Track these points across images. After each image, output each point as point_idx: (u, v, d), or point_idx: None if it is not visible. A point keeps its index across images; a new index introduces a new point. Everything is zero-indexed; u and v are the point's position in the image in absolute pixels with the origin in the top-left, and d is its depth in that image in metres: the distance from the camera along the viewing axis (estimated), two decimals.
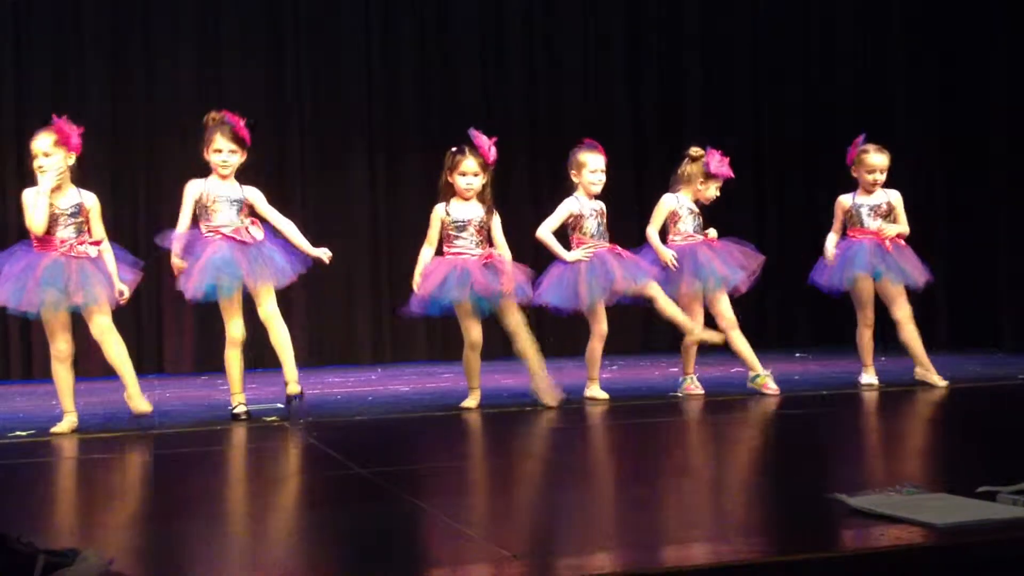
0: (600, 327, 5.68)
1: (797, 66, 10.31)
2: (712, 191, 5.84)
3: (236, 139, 5.20)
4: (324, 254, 5.36)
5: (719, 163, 5.79)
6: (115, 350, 4.98)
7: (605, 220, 5.73)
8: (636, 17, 10.18)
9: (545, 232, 5.67)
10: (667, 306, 5.58)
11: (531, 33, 9.97)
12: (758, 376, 5.67)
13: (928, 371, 5.89)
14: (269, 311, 5.22)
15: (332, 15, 9.52)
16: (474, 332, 5.44)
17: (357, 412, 5.51)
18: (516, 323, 5.45)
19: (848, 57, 9.94)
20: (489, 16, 9.89)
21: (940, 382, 5.83)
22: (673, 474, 3.64)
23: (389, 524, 2.79)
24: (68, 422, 4.90)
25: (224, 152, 5.19)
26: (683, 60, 10.26)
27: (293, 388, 5.24)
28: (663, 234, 5.85)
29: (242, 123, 5.24)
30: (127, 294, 5.02)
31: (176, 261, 5.20)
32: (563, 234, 5.74)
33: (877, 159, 5.89)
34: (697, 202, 5.86)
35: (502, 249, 5.50)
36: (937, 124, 9.08)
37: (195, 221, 5.22)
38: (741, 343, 5.71)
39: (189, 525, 2.94)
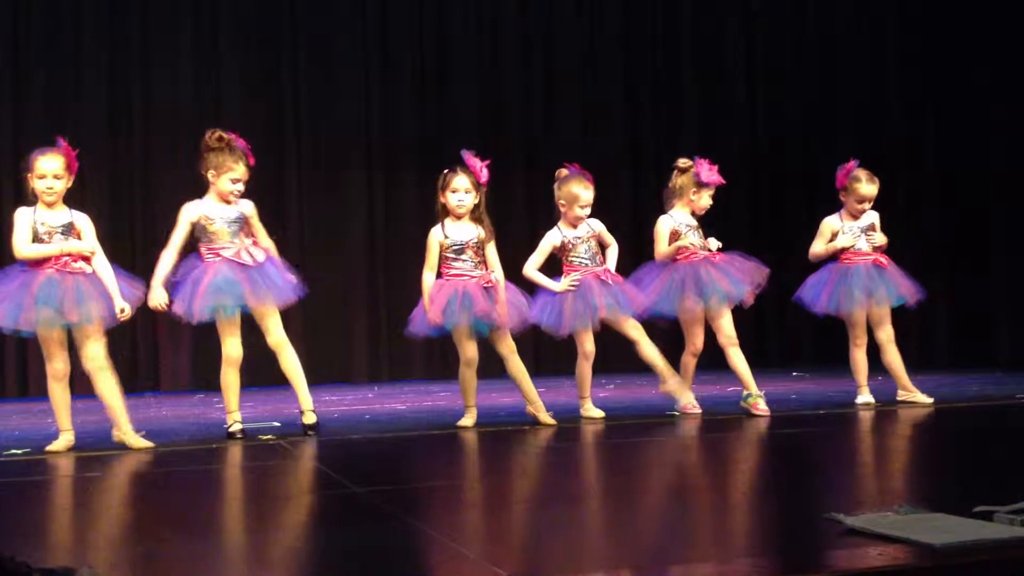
0: (585, 347, 5.71)
1: (794, 83, 10.36)
2: (705, 200, 5.82)
3: (248, 168, 5.21)
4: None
5: (709, 171, 5.79)
6: (107, 386, 4.88)
7: (596, 240, 5.72)
8: (634, 32, 10.23)
9: (530, 270, 5.71)
10: (648, 350, 5.62)
11: (529, 49, 10.01)
12: (750, 396, 5.62)
13: (911, 391, 5.91)
14: (278, 339, 5.20)
15: (330, 34, 9.57)
16: (470, 350, 5.45)
17: (354, 431, 5.49)
18: (509, 349, 5.49)
19: (846, 72, 9.98)
20: (487, 33, 9.94)
21: (926, 400, 5.85)
22: (669, 493, 3.63)
23: (385, 543, 2.78)
24: (64, 440, 4.88)
25: (241, 181, 5.18)
26: (681, 77, 10.32)
27: (310, 418, 5.23)
28: None
29: (248, 147, 5.25)
30: (128, 311, 4.94)
31: (157, 297, 5.07)
32: (556, 260, 5.77)
33: (868, 189, 5.89)
34: (693, 214, 5.85)
35: (497, 272, 5.51)
36: (933, 144, 9.10)
37: (194, 242, 5.21)
38: (739, 361, 5.68)
39: (185, 544, 2.93)
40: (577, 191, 5.64)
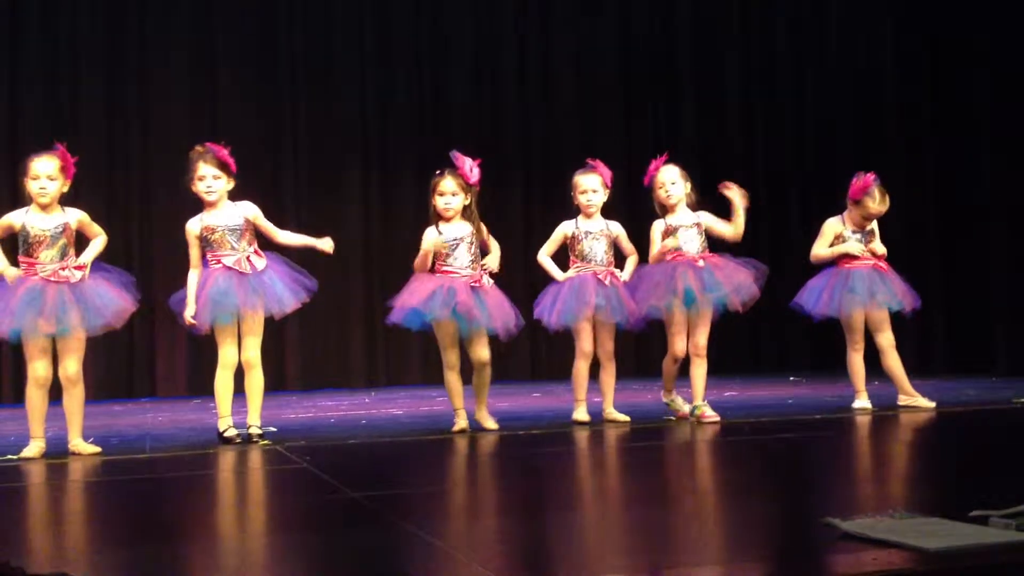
0: (583, 345, 5.69)
1: (792, 88, 10.38)
2: (672, 193, 5.69)
3: (219, 165, 5.21)
4: (327, 244, 5.41)
5: (652, 173, 5.77)
6: (77, 399, 4.97)
7: (609, 241, 5.71)
8: (632, 33, 10.25)
9: (542, 256, 5.81)
10: (610, 378, 5.71)
11: (526, 48, 10.03)
12: (696, 408, 5.62)
13: (913, 396, 5.90)
14: (252, 357, 5.22)
15: (327, 40, 9.58)
16: (452, 355, 5.46)
17: (350, 435, 5.49)
18: (483, 359, 5.48)
19: (844, 79, 10.00)
20: (484, 39, 9.95)
21: (928, 404, 5.84)
22: (664, 498, 3.63)
23: (380, 547, 2.78)
24: (36, 447, 4.89)
25: (208, 179, 5.19)
26: (677, 88, 10.34)
27: (255, 430, 5.23)
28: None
29: (226, 151, 5.25)
30: (85, 269, 4.90)
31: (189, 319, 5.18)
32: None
33: (878, 209, 5.88)
34: (691, 208, 5.78)
35: (494, 253, 5.52)
36: (932, 151, 9.11)
37: (202, 253, 5.26)
38: (700, 373, 5.65)
39: (179, 548, 2.93)
40: (576, 179, 5.73)
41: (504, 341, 5.70)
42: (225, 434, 5.17)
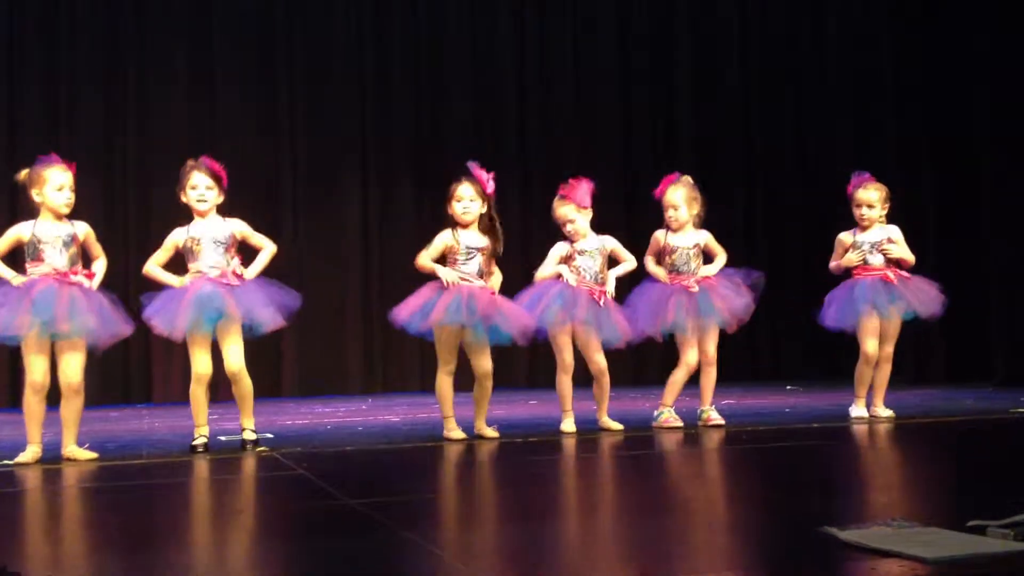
0: (563, 358, 5.69)
1: (790, 99, 10.39)
2: (674, 219, 5.79)
3: (212, 176, 5.22)
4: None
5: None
6: (75, 408, 4.95)
7: (604, 258, 5.71)
8: (628, 49, 10.26)
9: (538, 277, 5.78)
10: (603, 390, 5.69)
11: (523, 54, 10.04)
12: (703, 411, 5.80)
13: (876, 408, 5.94)
14: (235, 368, 5.18)
15: (325, 45, 9.59)
16: (453, 360, 5.44)
17: (347, 442, 5.48)
18: (486, 369, 5.46)
19: (842, 89, 10.01)
20: (482, 44, 9.97)
21: (885, 413, 5.91)
22: (661, 508, 3.62)
23: (377, 555, 2.77)
24: (32, 452, 4.88)
25: (200, 188, 5.21)
26: (674, 88, 10.35)
27: (250, 435, 5.23)
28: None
29: (219, 165, 5.26)
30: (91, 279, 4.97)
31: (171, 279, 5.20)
32: None
33: (864, 194, 5.92)
34: (698, 231, 5.84)
35: (497, 277, 5.53)
36: (929, 160, 9.11)
37: (182, 264, 5.24)
38: (707, 380, 5.82)
39: (175, 554, 2.91)
40: (562, 212, 5.69)
41: (522, 344, 5.68)
42: (195, 443, 5.16)
